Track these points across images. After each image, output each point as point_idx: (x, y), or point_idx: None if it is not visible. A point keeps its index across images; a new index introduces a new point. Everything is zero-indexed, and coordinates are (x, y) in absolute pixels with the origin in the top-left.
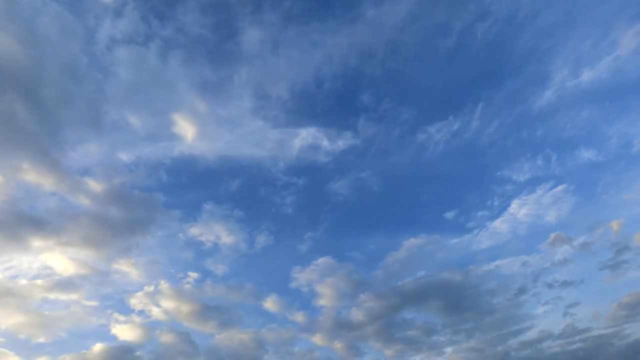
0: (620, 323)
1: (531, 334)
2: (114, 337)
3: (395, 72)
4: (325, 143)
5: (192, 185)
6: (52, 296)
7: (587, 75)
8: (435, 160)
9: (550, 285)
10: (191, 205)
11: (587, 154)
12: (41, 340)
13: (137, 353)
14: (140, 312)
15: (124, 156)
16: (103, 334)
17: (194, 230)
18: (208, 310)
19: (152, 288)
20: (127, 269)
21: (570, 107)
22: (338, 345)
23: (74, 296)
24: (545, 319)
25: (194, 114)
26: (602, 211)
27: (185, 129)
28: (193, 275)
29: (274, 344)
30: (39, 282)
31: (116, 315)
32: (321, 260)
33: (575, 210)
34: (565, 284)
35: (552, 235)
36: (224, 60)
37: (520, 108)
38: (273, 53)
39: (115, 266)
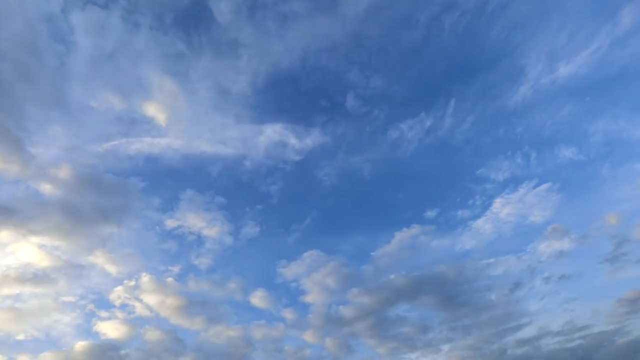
0: (622, 320)
1: (529, 331)
2: (95, 334)
3: (361, 66)
4: (292, 140)
5: (170, 171)
6: (26, 290)
7: (564, 70)
8: (409, 158)
9: (547, 281)
10: (170, 192)
11: (568, 152)
12: (20, 337)
13: (123, 351)
14: (123, 308)
15: (94, 139)
16: (84, 330)
17: (174, 221)
18: (193, 306)
19: (132, 282)
20: (104, 261)
21: (548, 104)
22: (329, 342)
23: (49, 290)
24: (544, 315)
25: (166, 92)
26: (590, 209)
27: (159, 109)
28: (175, 269)
29: (262, 341)
30: (11, 273)
31: (97, 311)
32: (309, 254)
33: (562, 209)
34: (563, 278)
35: (549, 228)
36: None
37: (495, 104)
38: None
39: (91, 258)
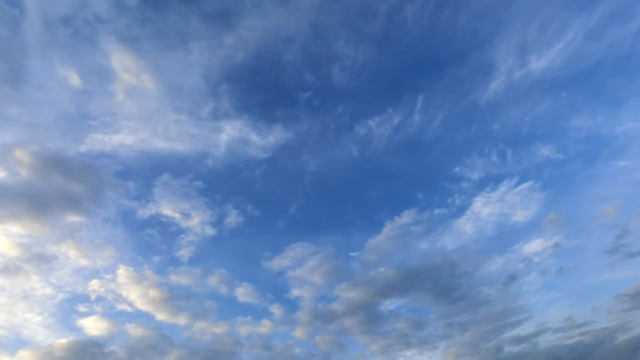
0: (624, 316)
1: (527, 327)
2: (74, 331)
3: (319, 59)
4: (254, 138)
5: (146, 154)
6: None
7: (536, 64)
8: (379, 156)
9: (544, 275)
10: (146, 177)
11: (545, 150)
12: None
13: (106, 349)
14: (100, 302)
15: (60, 118)
16: (62, 327)
17: (152, 208)
18: (175, 300)
19: (110, 276)
20: (77, 253)
21: (522, 100)
22: (319, 339)
23: (20, 281)
24: (542, 311)
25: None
26: (573, 209)
27: (127, 80)
28: (155, 260)
29: (249, 338)
30: None
31: (74, 306)
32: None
33: (545, 208)
34: (560, 274)
35: (550, 216)
36: None
37: (466, 100)
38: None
39: (63, 249)
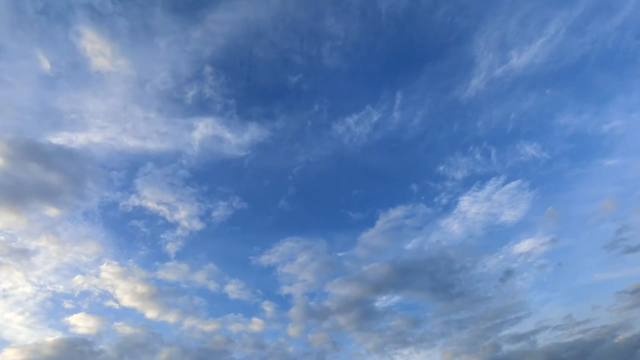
0: (625, 313)
1: (525, 325)
2: (63, 328)
3: (291, 54)
4: (228, 136)
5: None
6: None
7: (517, 60)
8: (359, 154)
9: (539, 273)
10: (130, 165)
11: (530, 149)
12: None
13: (97, 347)
14: (85, 298)
15: (33, 102)
16: (50, 324)
17: (136, 199)
18: (163, 296)
19: (94, 270)
20: (58, 246)
21: (504, 97)
22: (312, 337)
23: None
24: (540, 309)
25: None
26: (566, 207)
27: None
28: (141, 254)
29: (241, 336)
30: None
31: (58, 302)
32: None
33: (535, 207)
34: (555, 272)
35: (543, 215)
36: None
37: (447, 98)
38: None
39: (43, 243)
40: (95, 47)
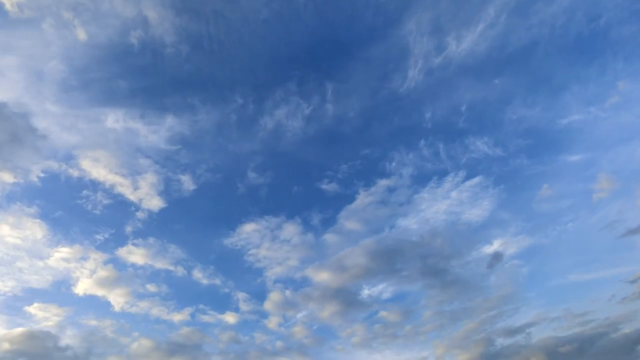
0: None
1: (521, 318)
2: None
3: (198, 40)
4: (144, 131)
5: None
6: None
7: (456, 48)
8: (293, 150)
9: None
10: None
11: (480, 144)
12: None
13: (61, 337)
14: (40, 287)
15: None
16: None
17: (87, 163)
18: (125, 283)
19: (46, 254)
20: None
21: (447, 88)
22: (292, 330)
23: None
24: (539, 301)
25: None
26: (530, 205)
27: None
28: (100, 237)
29: (213, 328)
30: None
31: (11, 293)
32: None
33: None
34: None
35: (545, 186)
36: None
37: (385, 89)
38: None
39: None
40: None
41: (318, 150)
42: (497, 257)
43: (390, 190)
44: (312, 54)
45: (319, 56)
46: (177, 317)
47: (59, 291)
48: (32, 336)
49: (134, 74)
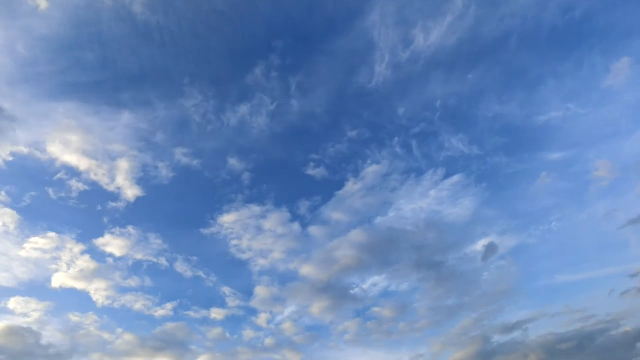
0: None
1: (518, 314)
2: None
3: (148, 31)
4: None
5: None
6: None
7: (423, 42)
8: (262, 149)
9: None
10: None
11: (455, 141)
12: None
13: (43, 332)
14: (17, 280)
15: None
16: None
17: (55, 148)
18: (106, 276)
19: (21, 244)
20: None
21: (417, 84)
22: (281, 327)
23: None
24: (539, 298)
25: None
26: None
27: None
28: (76, 230)
29: (198, 322)
30: None
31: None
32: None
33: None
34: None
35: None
36: None
37: (352, 85)
38: None
39: None
40: None
41: (284, 149)
42: (491, 249)
43: (368, 188)
44: (271, 47)
45: (278, 49)
46: (161, 312)
47: (36, 284)
48: (11, 332)
49: (84, 68)
